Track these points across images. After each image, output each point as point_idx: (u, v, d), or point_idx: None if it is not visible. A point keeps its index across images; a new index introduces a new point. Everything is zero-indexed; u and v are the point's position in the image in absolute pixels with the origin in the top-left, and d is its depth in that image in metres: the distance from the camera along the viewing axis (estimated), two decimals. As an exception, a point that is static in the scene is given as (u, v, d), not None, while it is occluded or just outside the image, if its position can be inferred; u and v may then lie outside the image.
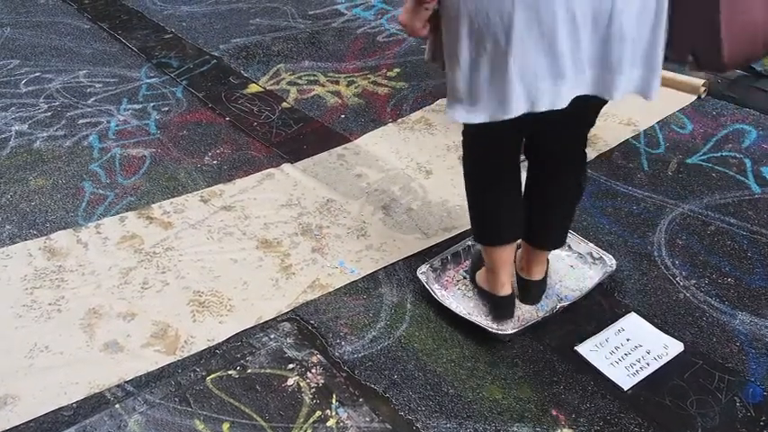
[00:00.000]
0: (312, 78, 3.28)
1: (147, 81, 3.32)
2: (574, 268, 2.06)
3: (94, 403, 1.74)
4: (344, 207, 2.40)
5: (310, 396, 1.72)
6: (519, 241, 1.86)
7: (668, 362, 1.77)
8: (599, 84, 1.39)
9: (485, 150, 1.68)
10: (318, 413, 1.68)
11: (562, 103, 1.38)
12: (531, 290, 1.91)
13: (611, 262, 2.01)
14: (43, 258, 2.21)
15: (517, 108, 1.38)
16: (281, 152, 2.72)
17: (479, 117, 1.43)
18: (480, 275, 1.94)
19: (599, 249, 2.06)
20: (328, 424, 1.65)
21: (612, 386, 1.72)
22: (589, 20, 1.30)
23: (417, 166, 2.60)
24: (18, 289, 2.09)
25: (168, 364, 1.83)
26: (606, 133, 2.70)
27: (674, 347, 1.81)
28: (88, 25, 3.99)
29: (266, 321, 1.96)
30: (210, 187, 2.53)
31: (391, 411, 1.68)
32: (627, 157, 2.60)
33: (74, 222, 2.38)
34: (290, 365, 1.81)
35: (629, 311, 1.92)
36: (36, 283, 2.11)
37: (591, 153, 2.58)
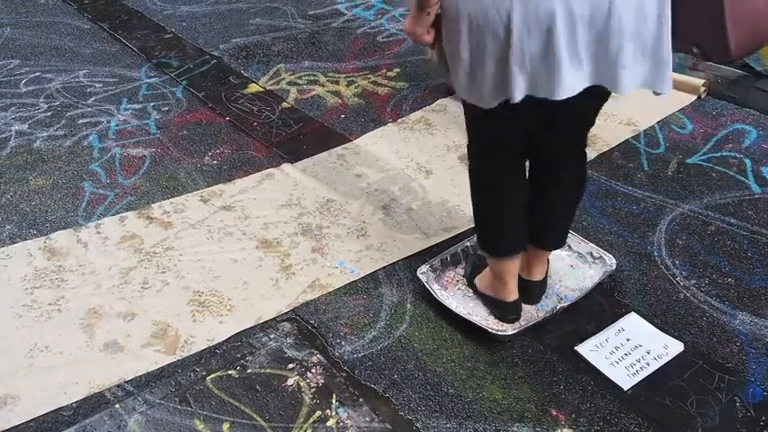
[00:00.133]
0: (312, 78, 3.28)
1: (147, 81, 3.32)
2: (574, 268, 2.06)
3: (94, 403, 1.73)
4: (344, 207, 2.40)
5: (310, 396, 1.72)
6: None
7: (668, 362, 1.77)
8: (601, 78, 1.39)
9: (492, 156, 1.68)
10: (318, 413, 1.68)
11: (561, 94, 1.38)
12: (531, 290, 1.91)
13: (611, 262, 2.02)
14: (43, 258, 2.21)
15: (519, 93, 1.39)
16: (281, 152, 2.72)
17: (484, 104, 1.46)
18: (482, 281, 1.94)
19: (599, 249, 2.06)
20: (328, 424, 1.65)
21: (612, 386, 1.72)
22: (587, 15, 1.31)
23: (417, 166, 2.60)
24: (18, 289, 2.09)
25: (168, 364, 1.83)
26: (606, 133, 2.70)
27: (674, 347, 1.81)
28: (88, 25, 3.99)
29: (266, 321, 1.96)
30: (210, 187, 2.53)
31: (391, 411, 1.68)
32: (627, 157, 2.60)
33: (74, 222, 2.38)
34: (290, 365, 1.81)
35: (629, 311, 1.92)
36: (36, 283, 2.11)
37: (591, 153, 2.58)
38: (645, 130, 2.74)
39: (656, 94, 1.44)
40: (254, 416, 1.68)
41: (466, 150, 1.76)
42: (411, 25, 1.45)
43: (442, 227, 2.28)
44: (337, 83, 3.23)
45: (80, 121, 2.99)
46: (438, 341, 1.87)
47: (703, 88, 2.92)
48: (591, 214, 2.31)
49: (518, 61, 1.35)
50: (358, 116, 2.96)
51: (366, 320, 1.95)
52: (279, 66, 3.41)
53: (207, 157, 2.72)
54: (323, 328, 1.93)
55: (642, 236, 2.20)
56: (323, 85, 3.22)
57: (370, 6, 4.03)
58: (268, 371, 1.80)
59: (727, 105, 2.87)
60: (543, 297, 1.94)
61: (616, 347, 1.81)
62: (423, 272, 2.01)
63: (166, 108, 3.08)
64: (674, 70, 3.00)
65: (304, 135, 2.84)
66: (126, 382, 1.79)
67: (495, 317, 1.89)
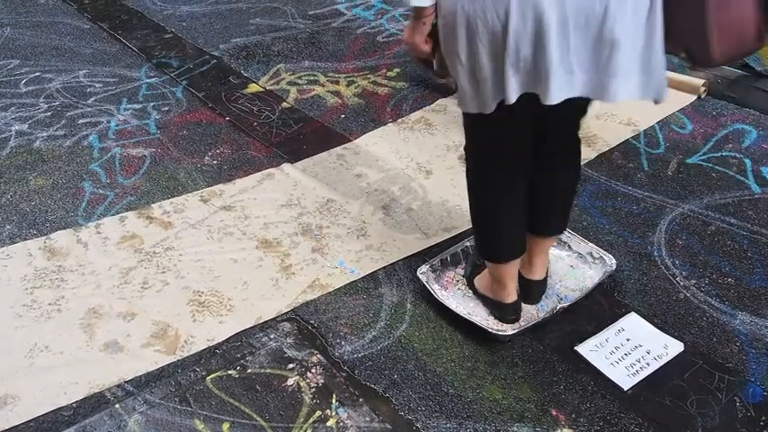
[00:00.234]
0: (312, 78, 3.28)
1: (147, 81, 3.32)
2: (574, 268, 2.06)
3: (94, 403, 1.73)
4: (344, 207, 2.40)
5: (310, 396, 1.72)
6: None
7: (668, 362, 1.77)
8: (592, 87, 1.41)
9: (489, 160, 1.68)
10: (318, 413, 1.68)
11: (551, 100, 1.39)
12: (532, 290, 1.91)
13: (611, 262, 2.01)
14: (43, 258, 2.21)
15: (513, 94, 1.40)
16: (281, 152, 2.72)
17: (486, 109, 1.48)
18: (481, 282, 1.94)
19: (599, 249, 2.06)
20: (328, 424, 1.65)
21: (612, 386, 1.72)
22: (582, 22, 1.32)
23: (417, 166, 2.60)
24: (18, 289, 2.09)
25: (168, 364, 1.83)
26: (606, 133, 2.70)
27: (674, 347, 1.81)
28: (88, 25, 3.99)
29: (266, 321, 1.96)
30: (210, 187, 2.53)
31: (391, 411, 1.68)
32: (627, 157, 2.60)
33: (74, 222, 2.38)
34: (290, 365, 1.81)
35: (629, 311, 1.92)
36: (36, 283, 2.11)
37: (591, 153, 2.59)
38: (645, 130, 2.74)
39: (655, 102, 1.45)
40: (254, 416, 1.68)
41: (464, 147, 1.76)
42: (410, 35, 1.51)
43: (442, 227, 2.28)
44: (337, 83, 3.23)
45: (80, 121, 2.99)
46: (438, 341, 1.87)
47: (703, 88, 2.92)
48: (591, 214, 2.31)
49: (513, 62, 1.36)
50: (358, 116, 2.96)
51: (366, 320, 1.95)
52: (279, 66, 3.41)
53: (207, 157, 2.72)
54: (323, 328, 1.93)
55: (642, 236, 2.20)
56: (323, 85, 3.22)
57: (370, 6, 4.03)
58: (268, 371, 1.80)
59: (727, 105, 2.87)
60: (543, 297, 1.94)
61: (616, 347, 1.81)
62: (423, 272, 2.01)
63: (166, 108, 3.08)
64: (674, 70, 3.00)
65: (304, 135, 2.84)
66: (126, 382, 1.79)
67: (495, 317, 1.90)
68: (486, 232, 1.78)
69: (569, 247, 2.09)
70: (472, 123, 1.63)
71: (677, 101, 2.90)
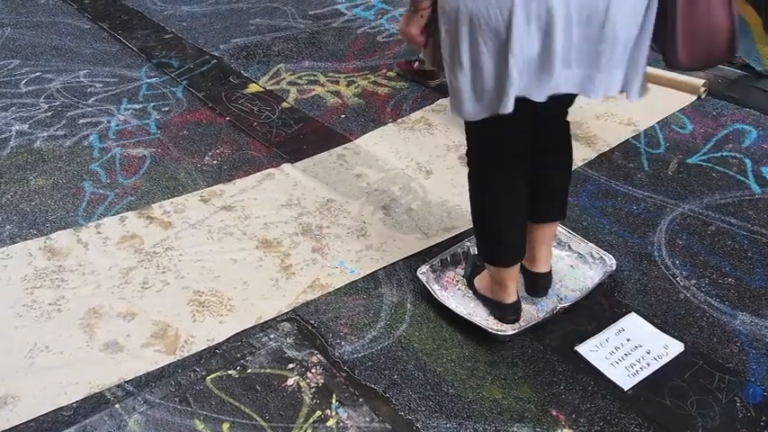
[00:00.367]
0: (312, 78, 3.28)
1: (148, 81, 3.32)
2: (574, 268, 2.06)
3: (94, 403, 1.73)
4: (344, 207, 2.40)
5: (310, 396, 1.72)
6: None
7: (668, 362, 1.77)
8: (581, 81, 1.42)
9: (489, 161, 1.69)
10: (318, 413, 1.68)
11: (541, 96, 1.41)
12: (538, 282, 1.92)
13: (611, 262, 2.01)
14: (43, 258, 2.21)
15: (514, 94, 1.40)
16: (281, 152, 2.72)
17: (484, 113, 1.47)
18: (481, 282, 1.94)
19: (599, 249, 2.06)
20: (328, 424, 1.65)
21: (613, 386, 1.72)
22: (584, 18, 1.33)
23: (417, 166, 2.60)
24: (18, 289, 2.09)
25: (168, 364, 1.83)
26: (606, 133, 2.70)
27: (675, 348, 1.81)
28: (88, 25, 3.99)
29: (266, 321, 1.96)
30: (210, 187, 2.53)
31: (391, 411, 1.68)
32: (627, 157, 2.60)
33: (74, 222, 2.38)
34: (290, 365, 1.81)
35: (630, 311, 1.92)
36: (36, 283, 2.11)
37: (591, 153, 2.59)
38: (645, 130, 2.74)
39: (628, 99, 1.46)
40: (254, 416, 1.68)
41: (465, 152, 1.77)
42: (406, 26, 1.54)
43: (442, 227, 2.28)
44: (337, 83, 3.23)
45: (80, 121, 2.99)
46: (438, 341, 1.87)
47: (703, 88, 2.92)
48: (591, 214, 2.30)
49: (517, 60, 1.35)
50: (358, 116, 2.96)
51: (366, 320, 1.95)
52: (279, 66, 3.41)
53: (207, 157, 2.72)
54: (323, 328, 1.93)
55: (642, 236, 2.20)
56: (323, 85, 3.22)
57: (370, 6, 4.03)
58: (268, 371, 1.80)
59: (727, 105, 2.87)
60: (543, 297, 1.94)
61: (616, 348, 1.81)
62: (423, 272, 2.01)
63: (166, 108, 3.08)
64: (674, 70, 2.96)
65: (304, 135, 2.84)
66: (126, 382, 1.79)
67: (495, 317, 1.90)
68: (487, 234, 1.78)
69: (569, 247, 2.09)
70: (473, 127, 1.63)
71: (677, 101, 2.90)
